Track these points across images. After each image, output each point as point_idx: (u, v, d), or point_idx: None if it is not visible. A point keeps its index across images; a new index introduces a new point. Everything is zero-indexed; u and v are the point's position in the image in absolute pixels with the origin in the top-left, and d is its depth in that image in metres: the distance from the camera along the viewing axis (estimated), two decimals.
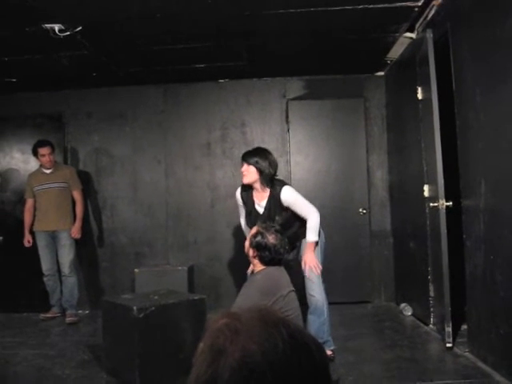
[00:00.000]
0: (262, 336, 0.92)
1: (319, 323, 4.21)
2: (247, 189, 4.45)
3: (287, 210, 4.30)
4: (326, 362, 0.98)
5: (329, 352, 4.20)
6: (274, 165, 4.35)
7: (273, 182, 4.33)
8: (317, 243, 4.33)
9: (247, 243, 3.56)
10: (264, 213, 4.35)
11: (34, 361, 4.50)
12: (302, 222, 4.34)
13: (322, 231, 4.43)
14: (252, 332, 0.93)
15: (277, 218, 4.28)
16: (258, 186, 4.34)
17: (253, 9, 4.40)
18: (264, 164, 4.28)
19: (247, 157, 4.35)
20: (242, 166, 4.36)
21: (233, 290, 5.97)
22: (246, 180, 4.33)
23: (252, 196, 4.43)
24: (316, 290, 4.24)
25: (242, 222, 4.66)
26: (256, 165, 4.27)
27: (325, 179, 6.52)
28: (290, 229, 4.28)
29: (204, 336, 1.01)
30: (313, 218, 4.27)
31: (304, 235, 4.32)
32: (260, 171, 4.27)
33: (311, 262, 4.24)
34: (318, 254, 4.35)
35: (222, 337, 0.95)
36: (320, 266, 4.29)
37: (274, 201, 4.29)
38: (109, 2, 4.08)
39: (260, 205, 4.39)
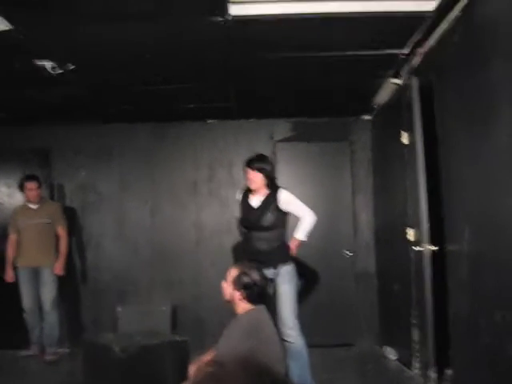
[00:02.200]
0: None
1: (300, 367, 4.18)
2: (247, 191, 4.68)
3: (281, 214, 4.50)
4: None
5: None
6: (274, 167, 4.75)
7: (274, 184, 4.59)
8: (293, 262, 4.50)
9: (229, 288, 3.49)
10: (258, 207, 4.51)
11: None
12: (284, 239, 4.53)
13: (295, 269, 4.52)
14: (236, 381, 0.94)
15: (269, 214, 4.44)
16: (260, 188, 4.56)
17: (242, 53, 4.48)
18: (268, 168, 4.54)
19: (253, 163, 4.57)
20: (248, 172, 4.56)
21: (216, 330, 5.88)
22: (254, 186, 4.55)
23: (249, 195, 4.64)
24: (293, 336, 4.25)
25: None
26: (262, 170, 4.50)
27: None
28: (276, 232, 4.45)
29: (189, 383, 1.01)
30: (309, 218, 4.54)
31: (282, 257, 4.45)
32: (265, 175, 4.51)
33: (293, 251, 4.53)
34: (292, 289, 4.42)
35: None
36: (296, 308, 4.36)
37: (271, 199, 4.49)
38: (101, 42, 4.13)
39: (255, 201, 4.57)
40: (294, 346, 4.19)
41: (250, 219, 4.57)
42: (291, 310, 4.33)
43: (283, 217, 4.52)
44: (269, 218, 4.44)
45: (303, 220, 4.53)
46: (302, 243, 4.59)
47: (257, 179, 4.52)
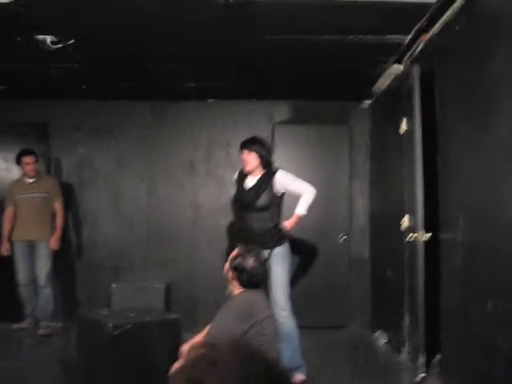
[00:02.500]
0: (238, 368, 0.95)
1: (291, 349, 4.20)
2: (242, 173, 4.67)
3: (276, 195, 4.49)
4: None
5: (302, 377, 4.21)
6: (270, 151, 4.71)
7: (270, 166, 4.57)
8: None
9: (227, 265, 3.55)
10: (253, 188, 4.53)
11: (3, 372, 4.43)
12: (278, 220, 4.51)
13: (289, 250, 4.53)
14: (228, 365, 0.95)
15: (263, 195, 4.45)
16: (256, 170, 4.56)
17: (244, 34, 4.46)
18: (263, 150, 4.55)
19: (248, 144, 4.60)
20: (243, 153, 4.58)
21: (210, 309, 5.92)
22: (249, 167, 4.57)
23: (245, 176, 4.64)
24: (284, 316, 4.27)
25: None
26: (256, 151, 4.52)
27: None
28: (269, 213, 4.47)
29: (181, 365, 1.03)
30: (309, 193, 4.52)
31: (275, 238, 4.45)
32: (260, 157, 4.52)
33: (289, 225, 4.50)
34: (285, 270, 4.43)
35: (199, 368, 0.97)
36: (288, 290, 4.38)
37: (266, 180, 4.49)
38: (103, 17, 4.11)
39: (251, 182, 4.57)
40: (285, 328, 4.20)
41: (244, 200, 4.59)
42: (283, 291, 4.35)
43: (278, 198, 4.51)
44: (263, 198, 4.45)
45: (304, 195, 4.51)
46: (301, 218, 4.55)
47: (251, 160, 4.54)
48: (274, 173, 4.51)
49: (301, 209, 4.49)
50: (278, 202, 4.53)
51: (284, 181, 4.49)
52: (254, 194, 4.48)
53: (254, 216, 4.52)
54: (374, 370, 4.77)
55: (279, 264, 4.41)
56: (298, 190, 4.52)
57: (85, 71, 5.47)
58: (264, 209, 4.48)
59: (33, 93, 6.36)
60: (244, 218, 4.62)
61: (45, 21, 4.18)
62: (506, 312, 3.16)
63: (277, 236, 4.47)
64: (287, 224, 4.53)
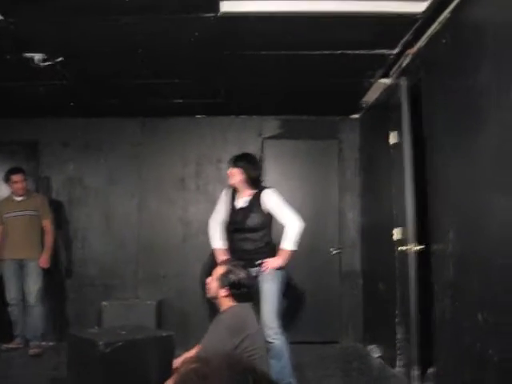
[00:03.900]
0: (229, 383, 0.94)
1: (280, 367, 4.13)
2: (233, 190, 4.63)
3: (266, 215, 4.42)
4: None
5: None
6: (259, 169, 4.65)
7: (258, 184, 4.52)
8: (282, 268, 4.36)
9: (214, 285, 3.51)
10: (244, 208, 4.48)
11: None
12: (269, 239, 4.46)
13: (282, 274, 4.43)
14: (220, 378, 0.95)
15: (253, 215, 4.41)
16: (242, 187, 4.53)
17: (232, 49, 4.49)
18: (249, 166, 4.50)
19: (234, 160, 4.60)
20: (229, 168, 4.59)
21: (201, 325, 5.89)
22: (232, 181, 4.55)
23: (235, 195, 4.60)
24: (271, 336, 4.17)
25: (212, 221, 4.77)
26: (242, 167, 4.48)
27: None
28: (261, 233, 4.42)
29: (173, 380, 1.02)
30: (294, 225, 4.33)
31: (265, 257, 4.35)
32: (245, 173, 4.46)
33: (272, 265, 4.29)
34: (274, 288, 4.32)
35: (191, 382, 0.96)
36: (277, 307, 4.28)
37: (256, 200, 4.44)
38: (91, 34, 4.12)
39: (240, 202, 4.54)
40: (274, 346, 4.14)
41: (235, 220, 4.55)
42: (271, 309, 4.25)
43: (269, 217, 4.47)
44: (254, 220, 4.42)
45: (289, 227, 4.34)
46: (292, 253, 4.36)
47: (235, 175, 4.52)
48: (262, 192, 4.47)
49: (287, 244, 4.31)
50: (269, 222, 4.49)
51: (270, 203, 4.42)
52: (244, 215, 4.45)
53: (245, 236, 4.49)
54: (368, 383, 4.74)
55: (269, 282, 4.32)
56: (283, 220, 4.38)
57: (73, 88, 5.47)
58: (254, 229, 4.44)
59: (22, 111, 6.35)
60: (235, 238, 4.58)
61: (34, 38, 4.18)
62: (497, 324, 3.17)
63: (268, 254, 4.41)
64: (276, 262, 4.32)
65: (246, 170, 4.48)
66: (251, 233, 4.45)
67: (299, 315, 5.87)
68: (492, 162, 3.21)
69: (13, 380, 4.79)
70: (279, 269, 4.35)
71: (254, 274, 4.25)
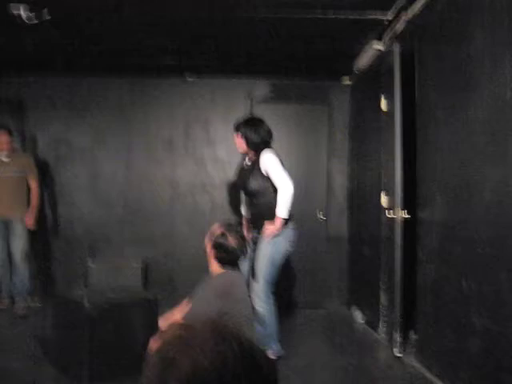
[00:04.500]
0: (213, 351, 0.93)
1: (264, 335, 4.17)
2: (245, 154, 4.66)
3: (267, 178, 4.35)
4: (275, 378, 0.99)
5: (275, 355, 4.23)
6: (263, 133, 4.47)
7: (260, 148, 4.43)
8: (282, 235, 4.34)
9: (207, 240, 3.53)
10: (246, 171, 4.50)
11: None
12: (271, 204, 4.32)
13: (293, 233, 4.45)
14: (204, 346, 0.94)
15: (252, 179, 4.38)
16: (247, 151, 4.53)
17: (224, 10, 4.40)
18: (248, 130, 4.46)
19: (236, 126, 4.59)
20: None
21: (188, 288, 5.91)
22: (239, 149, 4.59)
23: (246, 158, 4.64)
24: (261, 304, 4.21)
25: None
26: (242, 133, 4.48)
27: None
28: (263, 198, 4.37)
29: (157, 345, 1.01)
30: (284, 192, 4.25)
31: (269, 219, 4.29)
32: (246, 138, 4.45)
33: (267, 233, 4.27)
34: (270, 251, 4.30)
35: (174, 349, 0.96)
36: (269, 271, 4.28)
37: (256, 164, 4.39)
38: None
39: (246, 164, 4.57)
40: (259, 312, 4.16)
41: (239, 184, 4.61)
42: (260, 275, 4.26)
43: (269, 181, 4.34)
44: (252, 183, 4.37)
45: (280, 193, 4.26)
46: (283, 220, 4.28)
47: (238, 143, 4.52)
48: (261, 155, 4.38)
49: (279, 211, 4.24)
50: (271, 186, 4.34)
51: (266, 165, 4.33)
52: (246, 179, 4.43)
53: (250, 200, 4.51)
54: (351, 348, 4.82)
55: (262, 248, 4.30)
56: (276, 183, 4.30)
57: (60, 45, 5.37)
58: (255, 193, 4.39)
59: (7, 68, 6.21)
60: (247, 203, 4.63)
61: None
62: (480, 291, 3.21)
63: (269, 219, 4.29)
64: (272, 229, 4.26)
65: (245, 135, 4.45)
66: (253, 197, 4.44)
67: (284, 279, 5.90)
68: (483, 132, 3.20)
69: None
70: (277, 235, 4.29)
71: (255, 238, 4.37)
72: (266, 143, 4.46)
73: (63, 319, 4.08)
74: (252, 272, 4.36)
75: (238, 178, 4.73)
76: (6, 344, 4.66)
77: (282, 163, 4.37)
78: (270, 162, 4.32)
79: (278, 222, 4.25)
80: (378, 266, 5.16)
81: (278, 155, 4.41)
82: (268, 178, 4.34)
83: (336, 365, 4.41)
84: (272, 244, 4.29)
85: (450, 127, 3.70)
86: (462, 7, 3.50)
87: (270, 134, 4.52)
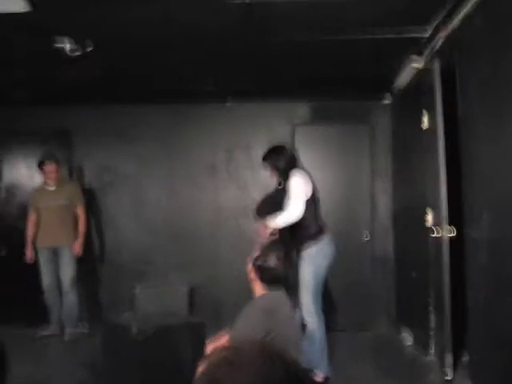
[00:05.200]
0: (259, 372, 0.93)
1: (310, 352, 4.19)
2: None
3: None
4: None
5: (321, 376, 4.20)
6: (289, 159, 4.63)
7: (288, 173, 4.52)
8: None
9: (248, 265, 3.53)
10: (279, 194, 4.63)
11: (31, 378, 4.46)
12: (306, 223, 4.44)
13: (329, 247, 4.51)
14: (250, 368, 0.94)
15: (284, 202, 4.45)
16: (277, 178, 4.68)
17: (261, 35, 4.44)
18: (274, 158, 4.63)
19: (263, 159, 4.74)
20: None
21: (233, 312, 5.90)
22: (272, 178, 4.75)
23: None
24: (310, 319, 4.29)
25: None
26: (271, 164, 4.64)
27: (329, 204, 6.47)
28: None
29: (203, 367, 1.02)
30: (289, 214, 4.37)
31: (305, 239, 4.44)
32: (276, 168, 4.60)
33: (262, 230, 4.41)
34: (310, 273, 4.40)
35: (219, 371, 0.96)
36: (314, 291, 4.36)
37: (287, 187, 4.49)
38: (121, 22, 4.12)
39: (278, 188, 4.73)
40: (309, 329, 4.22)
41: (276, 206, 4.65)
42: (307, 293, 4.36)
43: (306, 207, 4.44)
44: (284, 205, 4.46)
45: (284, 211, 4.40)
46: (271, 229, 4.39)
47: (271, 174, 4.70)
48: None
49: (275, 220, 4.39)
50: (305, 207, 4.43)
51: (289, 185, 4.45)
52: (279, 202, 4.53)
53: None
54: (400, 371, 4.71)
55: (305, 267, 4.43)
56: (287, 204, 4.42)
57: (103, 77, 5.51)
58: None
59: (54, 99, 6.37)
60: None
61: (64, 28, 4.22)
62: None
63: (305, 239, 4.46)
64: (261, 227, 4.47)
65: (272, 163, 4.62)
66: None
67: (331, 302, 5.84)
68: None
69: (50, 366, 4.88)
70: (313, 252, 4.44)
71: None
72: (291, 167, 4.57)
73: (112, 344, 4.12)
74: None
75: (275, 200, 4.80)
76: (56, 370, 4.73)
77: (313, 182, 4.57)
78: (292, 185, 4.43)
79: (267, 223, 4.42)
80: (425, 286, 5.06)
81: (308, 174, 4.58)
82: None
83: None
84: (308, 267, 4.42)
85: (494, 142, 3.62)
86: (501, 20, 3.45)
87: (293, 157, 4.74)
